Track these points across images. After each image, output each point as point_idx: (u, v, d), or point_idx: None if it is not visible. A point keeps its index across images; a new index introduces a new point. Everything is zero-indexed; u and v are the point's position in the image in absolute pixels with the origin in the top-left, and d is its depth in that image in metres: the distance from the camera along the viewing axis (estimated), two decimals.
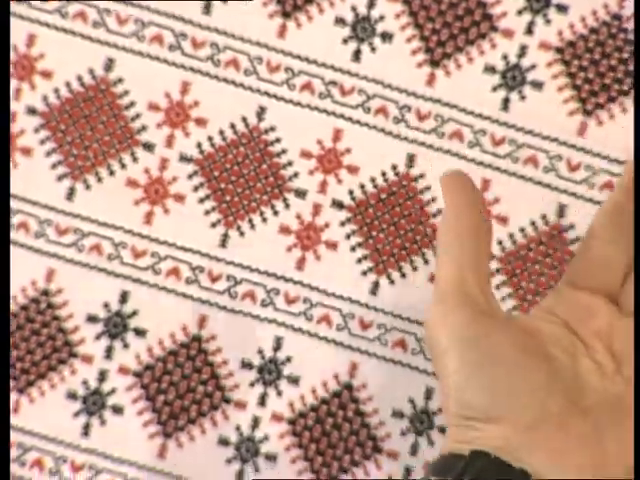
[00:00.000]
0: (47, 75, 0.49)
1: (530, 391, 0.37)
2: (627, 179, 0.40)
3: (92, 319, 0.50)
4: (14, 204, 0.49)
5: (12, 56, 0.49)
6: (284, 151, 0.49)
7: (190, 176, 0.49)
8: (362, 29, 0.49)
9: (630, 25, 0.48)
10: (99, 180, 0.49)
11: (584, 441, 0.36)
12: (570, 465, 0.36)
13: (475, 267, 0.39)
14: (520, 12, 0.49)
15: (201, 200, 0.49)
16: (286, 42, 0.49)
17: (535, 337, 0.39)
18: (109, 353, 0.50)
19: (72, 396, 0.51)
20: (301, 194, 0.49)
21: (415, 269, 0.49)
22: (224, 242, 0.49)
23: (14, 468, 0.50)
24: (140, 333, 0.50)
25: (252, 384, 0.49)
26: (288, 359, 0.49)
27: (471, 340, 0.37)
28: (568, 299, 0.42)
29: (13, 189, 0.49)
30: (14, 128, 0.49)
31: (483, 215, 0.39)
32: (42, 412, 0.51)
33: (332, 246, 0.49)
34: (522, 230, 0.49)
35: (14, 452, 0.50)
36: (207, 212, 0.49)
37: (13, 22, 0.49)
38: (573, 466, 0.36)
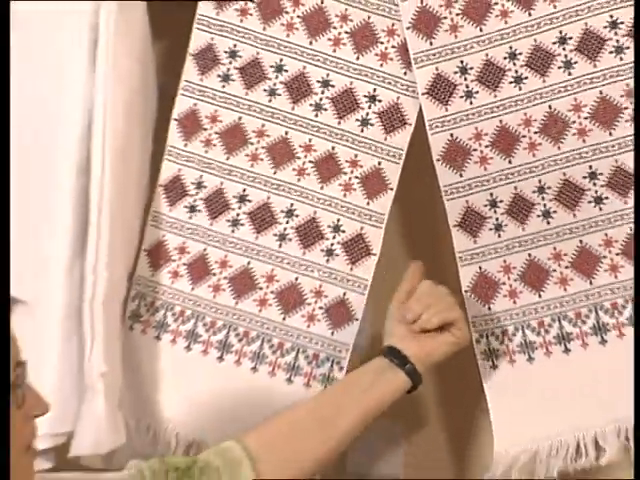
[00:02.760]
0: None
1: (402, 330, 1.41)
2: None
3: None
4: None
5: None
6: None
7: None
8: None
9: None
10: None
11: (417, 344, 1.40)
12: (412, 349, 1.38)
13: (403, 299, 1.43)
14: None
15: None
16: None
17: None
18: None
19: None
20: None
21: None
22: None
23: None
24: None
25: None
26: None
27: (396, 316, 1.43)
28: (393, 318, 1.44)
29: None
30: None
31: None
32: None
33: None
34: None
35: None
36: None
37: None
38: (415, 349, 1.39)
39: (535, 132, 1.50)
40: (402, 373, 1.37)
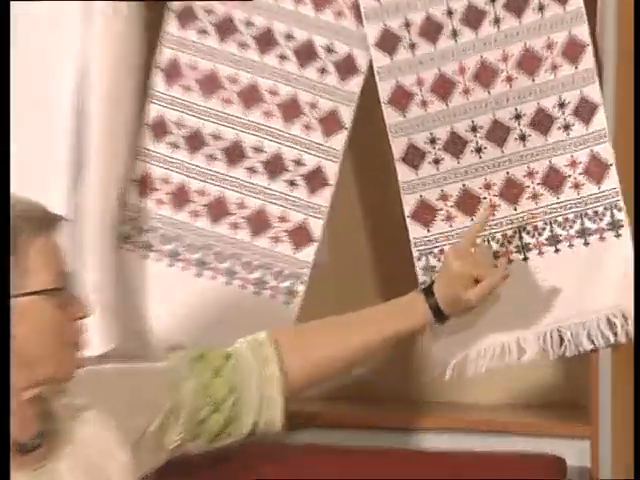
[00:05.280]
0: None
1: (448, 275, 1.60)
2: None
3: None
4: None
5: None
6: None
7: None
8: None
9: None
10: None
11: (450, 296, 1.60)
12: (446, 297, 1.58)
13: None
14: None
15: None
16: None
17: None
18: None
19: None
20: None
21: None
22: None
23: None
24: None
25: None
26: None
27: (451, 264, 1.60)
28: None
29: None
30: None
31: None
32: None
33: None
34: None
35: None
36: None
37: None
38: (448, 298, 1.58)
39: (469, 80, 1.75)
40: (427, 308, 1.57)
